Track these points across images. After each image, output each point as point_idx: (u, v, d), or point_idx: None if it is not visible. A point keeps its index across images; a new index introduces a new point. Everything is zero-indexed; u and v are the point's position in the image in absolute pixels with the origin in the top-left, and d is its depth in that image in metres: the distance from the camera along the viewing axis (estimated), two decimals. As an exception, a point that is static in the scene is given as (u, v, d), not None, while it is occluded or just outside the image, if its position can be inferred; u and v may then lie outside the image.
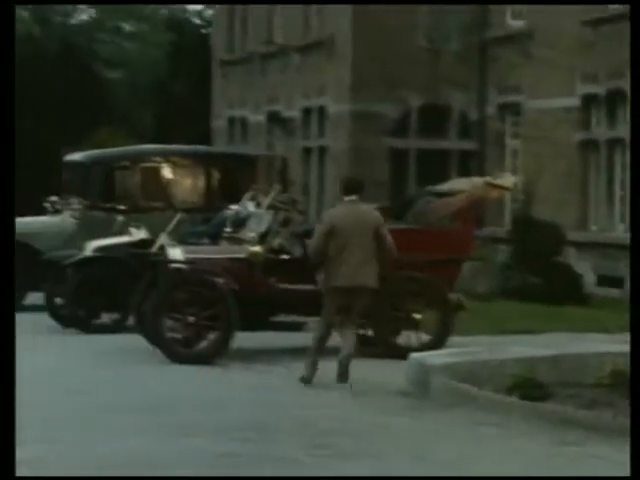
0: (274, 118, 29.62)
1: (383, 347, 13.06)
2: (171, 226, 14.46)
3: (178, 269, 13.02)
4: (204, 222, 16.66)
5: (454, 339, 13.15)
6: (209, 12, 39.18)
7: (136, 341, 12.99)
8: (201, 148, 23.17)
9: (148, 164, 19.32)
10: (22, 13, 57.37)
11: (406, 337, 13.19)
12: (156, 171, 19.13)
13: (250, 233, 13.30)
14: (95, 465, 7.39)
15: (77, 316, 15.28)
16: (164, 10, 56.86)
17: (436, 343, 12.91)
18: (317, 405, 9.86)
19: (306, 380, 10.95)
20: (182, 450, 7.92)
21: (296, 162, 27.24)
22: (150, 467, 7.34)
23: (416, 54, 26.19)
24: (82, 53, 43.53)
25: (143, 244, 15.08)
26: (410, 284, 13.25)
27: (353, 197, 11.49)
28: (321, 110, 27.53)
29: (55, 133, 35.38)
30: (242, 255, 12.98)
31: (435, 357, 10.97)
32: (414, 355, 11.13)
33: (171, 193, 18.83)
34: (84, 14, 61.73)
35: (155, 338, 12.59)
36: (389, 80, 26.00)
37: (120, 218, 17.07)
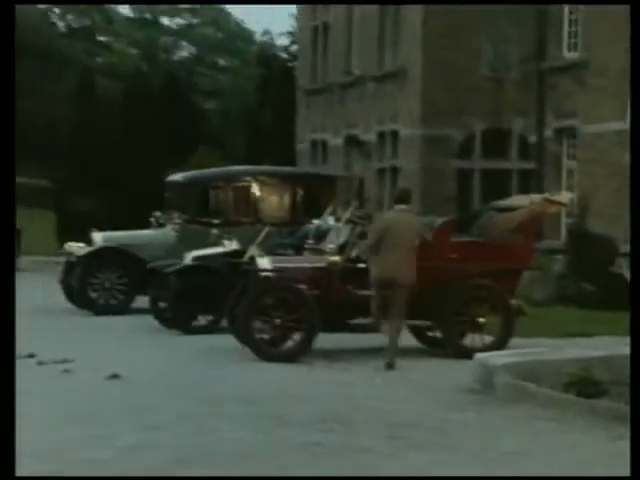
0: (352, 141, 29.65)
1: (450, 348, 12.97)
2: (260, 238, 14.47)
3: (266, 277, 13.04)
4: (289, 235, 16.68)
5: (515, 341, 13.02)
6: (294, 47, 39.36)
7: (229, 341, 13.01)
8: (286, 169, 23.25)
9: (239, 183, 19.41)
10: (132, 51, 58.16)
11: (471, 339, 13.09)
12: (246, 189, 19.21)
13: (330, 245, 13.30)
14: (192, 452, 7.40)
15: (178, 318, 15.37)
16: (254, 46, 57.27)
17: (498, 344, 12.78)
18: (392, 400, 9.81)
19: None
20: (272, 440, 7.90)
21: (371, 181, 27.27)
22: (243, 455, 7.33)
23: (480, 83, 26.13)
24: (183, 86, 44.00)
25: (235, 254, 15.14)
26: (476, 291, 13.16)
27: (403, 206, 12.24)
28: (394, 134, 27.53)
29: (159, 156, 35.79)
30: (323, 264, 12.97)
31: (498, 357, 10.84)
32: (479, 355, 11.02)
33: (259, 209, 18.88)
34: (184, 51, 62.41)
35: (246, 338, 12.60)
36: (455, 107, 25.95)
37: (215, 231, 17.15)
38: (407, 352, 13.01)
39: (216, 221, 18.23)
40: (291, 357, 12.36)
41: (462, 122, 26.19)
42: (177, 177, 20.33)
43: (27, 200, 44.95)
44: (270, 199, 19.26)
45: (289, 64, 39.57)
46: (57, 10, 60.87)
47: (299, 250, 14.60)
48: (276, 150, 33.36)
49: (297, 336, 12.57)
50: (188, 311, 15.41)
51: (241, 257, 14.47)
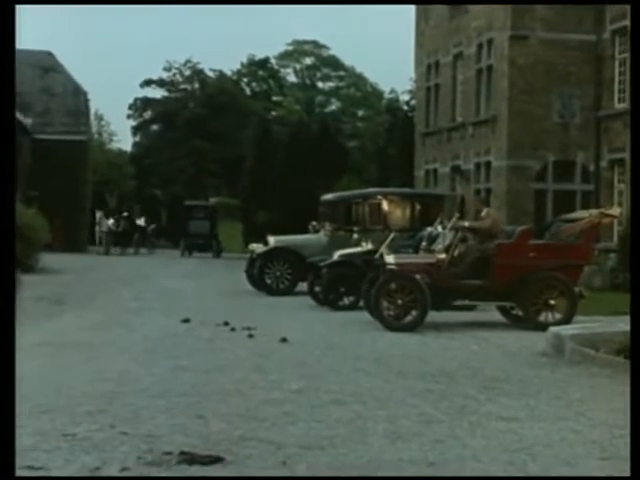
0: (455, 170, 29.37)
1: (529, 323, 12.68)
2: (388, 241, 14.42)
3: (391, 269, 12.97)
4: (409, 238, 16.58)
5: (579, 317, 12.65)
6: (413, 102, 39.13)
7: (365, 316, 12.99)
8: (407, 190, 23.18)
9: (373, 200, 19.42)
10: (296, 107, 58.73)
11: (545, 316, 12.76)
12: (378, 205, 19.21)
13: (438, 246, 13.15)
14: (340, 397, 7.37)
15: (328, 299, 15.43)
16: (384, 101, 57.14)
17: (565, 320, 12.42)
18: (485, 360, 9.63)
19: None
20: (398, 388, 7.80)
21: (470, 199, 26.92)
22: (375, 400, 7.24)
23: (551, 127, 25.70)
24: (332, 131, 44.28)
25: (369, 253, 15.11)
26: (548, 280, 12.82)
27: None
28: (487, 164, 27.19)
29: (315, 182, 36.09)
30: (433, 260, 12.83)
31: (566, 329, 10.54)
32: (552, 328, 10.72)
33: (388, 219, 18.85)
34: (334, 106, 62.72)
35: (376, 314, 12.56)
36: (533, 144, 25.56)
37: (355, 236, 17.18)
38: (496, 326, 12.79)
39: (356, 228, 18.27)
40: (409, 328, 12.21)
41: (538, 155, 25.71)
42: (328, 196, 20.48)
43: (223, 213, 46.06)
44: (395, 212, 19.23)
45: (409, 114, 39.43)
46: (245, 79, 61.98)
47: (416, 250, 14.49)
48: (399, 176, 33.29)
49: (414, 313, 12.44)
50: (336, 294, 15.47)
51: (374, 255, 14.46)
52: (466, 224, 13.32)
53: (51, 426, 6.01)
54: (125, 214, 40.48)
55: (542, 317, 12.78)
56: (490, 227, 13.25)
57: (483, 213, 13.65)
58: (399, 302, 12.42)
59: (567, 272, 12.85)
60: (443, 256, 12.75)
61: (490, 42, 27.19)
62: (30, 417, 6.25)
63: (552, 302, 12.75)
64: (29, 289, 17.56)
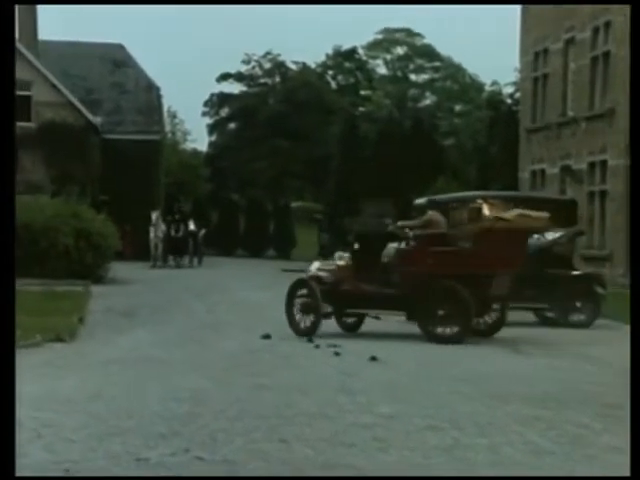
0: (566, 170, 28.91)
1: (424, 333, 12.70)
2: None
3: (303, 277, 13.84)
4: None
5: None
6: (518, 94, 38.67)
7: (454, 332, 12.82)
8: (511, 192, 22.91)
9: (472, 205, 19.19)
10: (386, 101, 58.59)
11: (439, 329, 12.62)
12: (478, 210, 18.94)
13: (338, 252, 14.31)
14: (435, 422, 7.32)
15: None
16: (484, 94, 56.65)
17: (461, 334, 12.42)
18: (599, 382, 9.41)
19: None
20: (501, 415, 7.64)
21: (582, 202, 26.43)
22: (474, 426, 7.14)
23: (677, 120, 24.88)
24: (426, 127, 44.11)
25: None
26: (442, 290, 12.60)
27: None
28: (603, 163, 26.66)
29: (408, 184, 35.99)
30: (333, 267, 13.64)
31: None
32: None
33: (488, 224, 18.66)
34: (428, 100, 62.50)
35: (288, 319, 13.34)
36: (656, 140, 24.83)
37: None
38: (609, 344, 12.46)
39: (453, 233, 18.13)
40: (306, 334, 12.81)
41: (662, 153, 25.06)
42: (422, 200, 20.38)
43: (303, 219, 46.39)
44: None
45: (513, 108, 38.96)
46: (330, 72, 62.40)
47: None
48: (502, 178, 32.92)
49: (310, 319, 13.15)
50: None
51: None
52: (399, 224, 13.81)
53: (123, 449, 6.14)
54: (176, 216, 34.50)
55: (437, 330, 12.56)
56: (422, 227, 13.40)
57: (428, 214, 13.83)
58: (298, 307, 13.29)
59: (469, 282, 12.51)
60: (342, 263, 13.48)
61: (607, 25, 26.66)
62: (102, 439, 6.41)
63: (441, 313, 12.51)
64: (98, 301, 18.01)
